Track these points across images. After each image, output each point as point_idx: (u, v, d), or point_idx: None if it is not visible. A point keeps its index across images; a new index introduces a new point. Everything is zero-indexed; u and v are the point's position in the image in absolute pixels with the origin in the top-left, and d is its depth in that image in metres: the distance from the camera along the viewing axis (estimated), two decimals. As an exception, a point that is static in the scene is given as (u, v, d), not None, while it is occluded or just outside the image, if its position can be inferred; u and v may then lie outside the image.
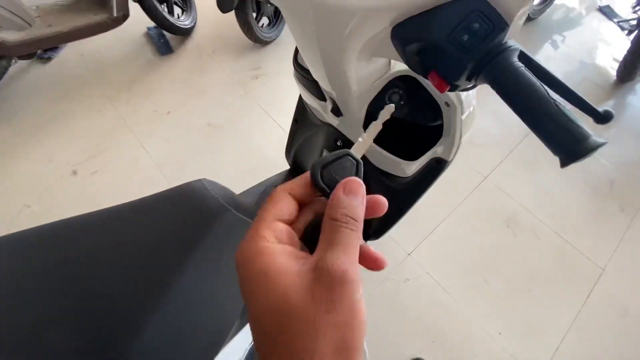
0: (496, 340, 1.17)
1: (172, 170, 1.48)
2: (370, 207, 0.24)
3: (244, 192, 1.12)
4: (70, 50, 1.94)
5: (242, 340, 0.85)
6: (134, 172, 1.47)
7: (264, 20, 1.95)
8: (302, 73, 0.66)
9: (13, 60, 1.70)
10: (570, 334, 1.20)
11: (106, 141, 1.56)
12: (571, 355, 1.16)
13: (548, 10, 2.25)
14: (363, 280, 0.20)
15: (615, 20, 2.28)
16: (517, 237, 1.39)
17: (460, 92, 0.53)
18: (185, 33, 2.00)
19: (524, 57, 0.34)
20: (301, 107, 0.91)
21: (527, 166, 1.58)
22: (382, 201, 0.24)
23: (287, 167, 1.16)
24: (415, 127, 0.64)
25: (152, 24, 1.85)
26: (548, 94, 0.30)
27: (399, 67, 0.55)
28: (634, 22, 1.94)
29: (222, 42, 2.01)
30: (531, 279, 1.30)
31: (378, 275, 1.26)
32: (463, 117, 0.55)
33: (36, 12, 1.58)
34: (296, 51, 0.69)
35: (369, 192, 0.23)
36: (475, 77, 0.34)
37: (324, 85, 0.58)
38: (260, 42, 1.91)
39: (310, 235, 0.23)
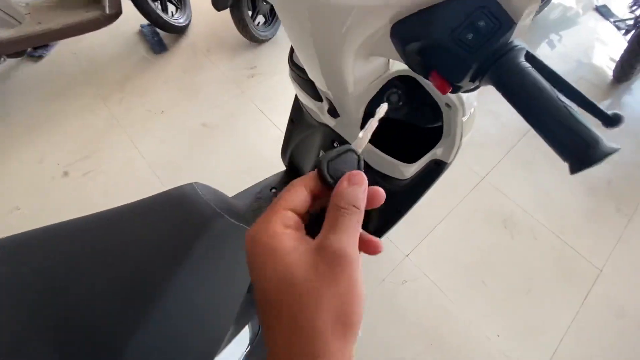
0: (494, 342, 1.16)
1: (166, 171, 1.46)
2: (369, 197, 0.26)
3: (239, 193, 1.10)
4: (62, 49, 1.90)
5: (238, 345, 0.83)
6: (127, 173, 1.44)
7: (260, 19, 1.93)
8: (298, 72, 0.64)
9: (2, 59, 1.67)
10: (568, 336, 1.19)
11: (98, 141, 1.53)
12: (569, 357, 1.16)
13: (545, 9, 2.25)
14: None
15: (612, 19, 2.27)
16: (515, 238, 1.39)
17: (462, 93, 0.51)
18: (179, 31, 1.97)
19: (528, 57, 0.32)
20: (297, 107, 0.89)
21: (524, 166, 1.57)
22: (381, 192, 0.27)
23: (284, 167, 1.14)
24: (414, 128, 0.63)
25: (145, 21, 1.81)
26: (557, 96, 0.28)
27: (398, 66, 0.53)
28: (631, 22, 1.94)
29: (217, 40, 1.99)
30: (529, 279, 1.29)
31: (376, 277, 1.25)
32: (464, 118, 0.54)
33: (26, 9, 1.55)
34: (292, 49, 0.67)
35: None
36: (479, 78, 0.32)
37: (320, 85, 0.56)
38: (255, 40, 1.89)
39: (314, 225, 0.25)
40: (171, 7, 1.97)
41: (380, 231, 0.91)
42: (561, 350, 1.16)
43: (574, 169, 0.28)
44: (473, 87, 0.35)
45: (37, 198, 1.35)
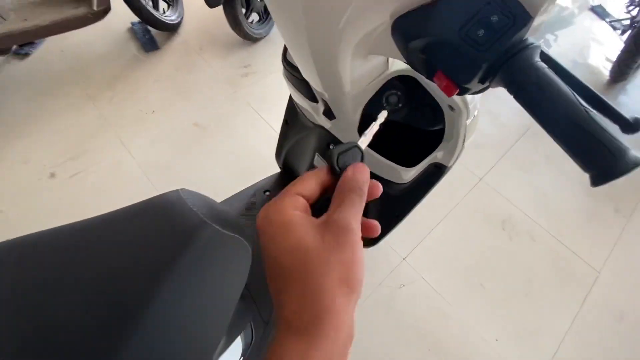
0: (493, 346, 1.14)
1: (157, 173, 1.41)
2: (368, 189, 0.29)
3: (232, 196, 1.07)
4: (49, 46, 1.85)
5: (231, 357, 0.80)
6: (116, 174, 1.40)
7: (254, 16, 1.89)
8: (292, 72, 0.60)
9: (-14, 56, 1.61)
10: (567, 339, 1.18)
11: (87, 142, 1.48)
12: (569, 361, 1.14)
13: (541, 9, 2.23)
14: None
15: (608, 20, 2.27)
16: (513, 240, 1.37)
17: (467, 95, 0.48)
18: (171, 29, 1.92)
19: (543, 56, 0.29)
20: (292, 108, 0.85)
21: (523, 167, 1.56)
22: (378, 185, 0.30)
23: (278, 169, 1.10)
24: (414, 131, 0.60)
25: (136, 19, 1.76)
26: (578, 100, 0.25)
27: (398, 66, 0.50)
28: (627, 22, 1.94)
29: (210, 38, 1.94)
30: (527, 282, 1.28)
31: (372, 281, 1.22)
32: (468, 121, 0.51)
33: (11, 5, 1.49)
34: (285, 47, 0.64)
35: None
36: (489, 79, 0.29)
37: (315, 86, 0.53)
38: (249, 38, 1.85)
39: (317, 214, 0.28)
40: (163, 4, 1.93)
41: (378, 237, 0.88)
42: (560, 354, 1.15)
43: (597, 182, 0.25)
44: (482, 88, 0.32)
45: (22, 201, 1.31)
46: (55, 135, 1.50)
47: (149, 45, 1.87)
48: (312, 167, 0.85)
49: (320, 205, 0.28)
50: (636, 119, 0.29)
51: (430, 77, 0.33)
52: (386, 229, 0.86)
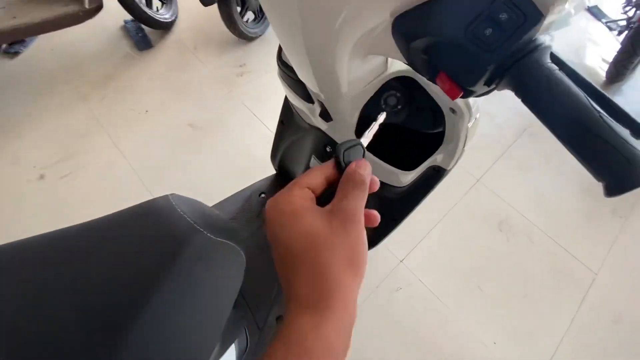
0: (491, 350, 1.13)
1: (151, 174, 1.39)
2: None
3: (227, 198, 1.05)
4: (40, 44, 1.81)
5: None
6: (108, 176, 1.37)
7: (249, 15, 1.87)
8: (287, 72, 0.58)
9: (-25, 55, 1.57)
10: (564, 342, 1.17)
11: (78, 142, 1.45)
12: (567, 364, 1.13)
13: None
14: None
15: (604, 20, 2.27)
16: (511, 241, 1.36)
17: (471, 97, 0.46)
18: (165, 27, 1.89)
19: (553, 58, 0.28)
20: (287, 109, 0.84)
21: (520, 168, 1.55)
22: (375, 179, 0.31)
23: (274, 171, 1.08)
24: (413, 133, 0.58)
25: (129, 17, 1.73)
26: (592, 105, 0.24)
27: (398, 66, 0.48)
28: (623, 23, 1.94)
29: (204, 37, 1.91)
30: (525, 284, 1.27)
31: (369, 284, 1.21)
32: (469, 124, 0.49)
33: (0, 2, 1.46)
34: (281, 46, 0.62)
35: None
36: (496, 81, 0.27)
37: (312, 86, 0.51)
38: (245, 37, 1.82)
39: (323, 202, 0.30)
40: (156, 2, 1.90)
41: (375, 240, 0.87)
42: (558, 356, 1.14)
43: (612, 192, 0.24)
44: (487, 91, 0.30)
45: (10, 203, 1.27)
46: (45, 135, 1.46)
47: (142, 43, 1.84)
48: (308, 169, 0.83)
49: (324, 199, 0.30)
50: None
51: (432, 79, 0.31)
52: (384, 233, 0.84)
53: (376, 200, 0.75)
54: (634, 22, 1.69)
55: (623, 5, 1.96)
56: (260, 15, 1.91)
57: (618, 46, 1.78)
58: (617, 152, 0.23)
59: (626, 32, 1.77)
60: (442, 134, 0.55)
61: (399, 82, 0.50)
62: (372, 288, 1.20)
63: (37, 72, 1.69)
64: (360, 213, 0.28)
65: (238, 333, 0.80)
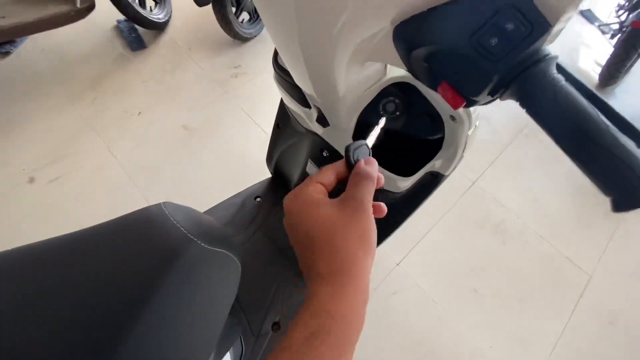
0: (487, 353, 1.13)
1: (144, 177, 1.36)
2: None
3: (221, 202, 1.03)
4: (30, 44, 1.77)
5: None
6: (99, 179, 1.34)
7: (244, 16, 1.85)
8: (284, 76, 0.57)
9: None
10: (560, 345, 1.17)
11: (69, 145, 1.42)
12: (562, 367, 1.14)
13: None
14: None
15: (597, 24, 2.30)
16: (506, 244, 1.36)
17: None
18: (158, 27, 1.87)
19: (559, 68, 0.27)
20: (283, 112, 0.82)
21: (515, 171, 1.56)
22: (381, 176, 0.35)
23: (269, 174, 1.07)
24: (411, 139, 0.57)
25: (122, 16, 1.71)
26: (600, 118, 0.23)
27: (397, 72, 0.47)
28: (616, 26, 1.96)
29: (199, 37, 1.89)
30: (520, 287, 1.27)
31: (366, 288, 1.20)
32: (469, 132, 0.48)
33: (-12, 1, 1.43)
34: (277, 50, 0.61)
35: None
36: (500, 91, 0.27)
37: (309, 91, 0.50)
38: (240, 38, 1.80)
39: (333, 197, 0.33)
40: (150, 2, 1.87)
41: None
42: (553, 358, 1.14)
43: (620, 207, 0.23)
44: (490, 101, 0.29)
45: (-1, 207, 1.24)
46: (35, 137, 1.43)
47: (136, 44, 1.81)
48: (304, 174, 0.82)
49: (334, 194, 0.34)
50: None
51: (434, 87, 0.30)
52: (382, 238, 0.83)
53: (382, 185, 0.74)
54: (627, 26, 1.71)
55: (616, 9, 1.98)
56: (255, 15, 1.89)
57: (611, 49, 1.80)
58: (627, 167, 0.22)
59: (619, 35, 1.79)
60: (441, 139, 0.55)
61: (398, 88, 0.49)
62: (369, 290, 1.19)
63: (27, 73, 1.66)
64: (368, 202, 0.31)
65: (233, 340, 0.79)
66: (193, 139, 1.50)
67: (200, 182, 1.37)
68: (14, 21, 1.40)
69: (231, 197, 1.03)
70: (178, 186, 1.35)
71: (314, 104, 0.54)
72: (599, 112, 0.24)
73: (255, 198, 1.03)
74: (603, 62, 1.86)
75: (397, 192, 0.66)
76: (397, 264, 1.27)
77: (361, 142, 0.35)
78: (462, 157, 0.55)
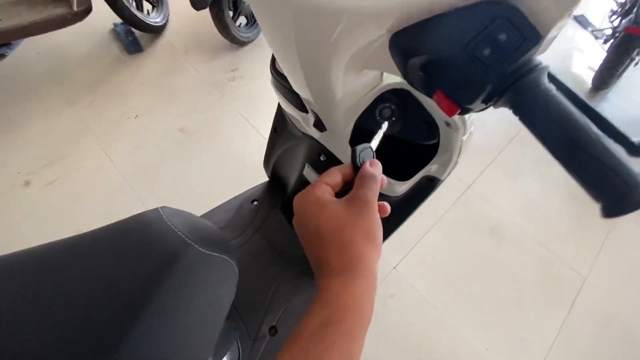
0: (483, 356, 1.14)
1: (140, 180, 1.36)
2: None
3: (219, 206, 1.03)
4: (26, 47, 1.77)
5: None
6: (96, 182, 1.33)
7: (242, 20, 1.86)
8: (281, 81, 0.58)
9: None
10: (555, 347, 1.18)
11: (65, 148, 1.42)
12: (557, 369, 1.14)
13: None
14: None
15: (590, 29, 2.33)
16: (502, 247, 1.37)
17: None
18: (156, 31, 1.87)
19: (551, 78, 0.28)
20: (281, 116, 0.83)
21: (510, 174, 1.57)
22: (384, 177, 0.37)
23: (266, 178, 1.07)
24: (407, 144, 0.58)
25: (119, 20, 1.71)
26: (589, 125, 0.23)
27: (393, 78, 0.48)
28: (609, 32, 1.99)
29: (196, 41, 1.90)
30: (516, 289, 1.28)
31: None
32: (464, 137, 0.49)
33: (-15, 4, 1.42)
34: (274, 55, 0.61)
35: None
36: (494, 99, 0.27)
37: (306, 97, 0.50)
38: (237, 42, 1.81)
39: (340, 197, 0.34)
40: (147, 5, 1.87)
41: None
42: (549, 360, 1.15)
43: (610, 213, 0.24)
44: (484, 108, 0.30)
45: (-7, 210, 1.23)
46: (31, 140, 1.43)
47: (132, 47, 1.81)
48: (301, 177, 0.82)
49: (340, 195, 0.35)
50: None
51: (429, 95, 0.31)
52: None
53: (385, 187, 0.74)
54: (619, 31, 1.74)
55: (609, 15, 2.01)
56: (252, 20, 1.90)
57: (604, 54, 1.82)
58: (616, 174, 0.23)
59: (612, 40, 1.81)
60: (436, 144, 0.55)
61: (394, 94, 0.49)
62: (365, 295, 1.20)
63: (23, 75, 1.65)
64: (374, 202, 0.33)
65: (230, 344, 0.79)
66: (190, 142, 1.50)
67: (198, 185, 1.37)
68: (10, 24, 1.39)
69: (228, 200, 1.03)
70: (175, 189, 1.35)
71: (311, 108, 0.55)
72: (589, 121, 0.24)
73: (253, 201, 1.03)
74: (596, 66, 1.88)
75: (394, 196, 0.66)
76: (394, 267, 1.27)
77: (366, 145, 0.37)
78: (457, 162, 0.56)
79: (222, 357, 0.74)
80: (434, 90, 0.29)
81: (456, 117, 0.46)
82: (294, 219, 0.35)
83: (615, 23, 1.95)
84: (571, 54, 2.22)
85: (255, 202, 1.03)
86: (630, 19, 1.68)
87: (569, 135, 0.24)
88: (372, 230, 0.32)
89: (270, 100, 0.84)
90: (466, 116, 0.47)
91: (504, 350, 1.15)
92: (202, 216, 0.99)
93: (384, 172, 0.60)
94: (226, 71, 1.78)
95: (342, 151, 0.61)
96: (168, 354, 0.43)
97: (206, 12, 1.58)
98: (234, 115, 1.61)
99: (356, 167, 0.36)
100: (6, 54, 1.72)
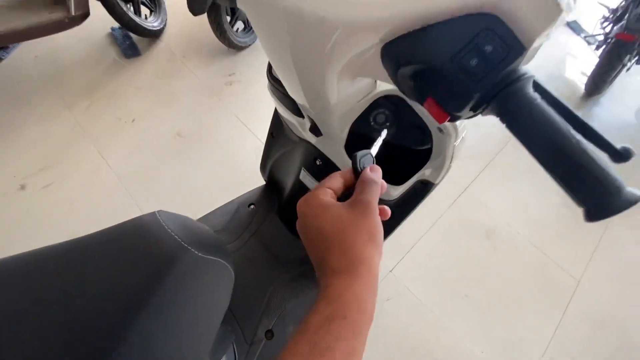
0: (479, 358, 1.14)
1: (137, 184, 1.36)
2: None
3: (215, 209, 1.03)
4: (23, 51, 1.77)
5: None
6: (92, 186, 1.33)
7: (239, 25, 1.87)
8: (277, 87, 0.59)
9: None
10: (550, 349, 1.19)
11: (61, 152, 1.42)
12: (552, 372, 1.15)
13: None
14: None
15: (582, 35, 2.36)
16: (497, 250, 1.38)
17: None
18: (153, 35, 1.88)
19: (535, 86, 0.29)
20: (277, 121, 0.84)
21: (505, 177, 1.58)
22: (384, 182, 0.38)
23: (263, 182, 1.08)
24: (401, 149, 0.59)
25: (116, 24, 1.71)
26: (571, 132, 0.24)
27: (386, 85, 0.49)
28: (601, 38, 2.02)
29: (193, 45, 1.91)
30: (511, 292, 1.29)
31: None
32: (456, 143, 0.50)
33: (-19, 8, 1.43)
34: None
35: None
36: (482, 108, 0.28)
37: (302, 102, 0.51)
38: (234, 47, 1.82)
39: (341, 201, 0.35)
40: (145, 10, 1.88)
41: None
42: (544, 363, 1.16)
43: (592, 217, 0.25)
44: (473, 116, 0.31)
45: (-12, 215, 1.23)
46: (27, 144, 1.42)
47: (130, 51, 1.82)
48: (298, 181, 0.83)
49: (342, 200, 0.36)
50: (625, 149, 0.28)
51: (420, 102, 0.32)
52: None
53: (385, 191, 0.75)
54: (611, 38, 1.77)
55: (601, 21, 2.04)
56: (249, 25, 1.91)
57: (596, 60, 1.85)
58: (597, 180, 0.24)
59: (604, 46, 1.84)
60: (430, 149, 0.56)
61: (388, 101, 0.50)
62: (361, 299, 1.20)
63: (20, 79, 1.65)
64: (374, 204, 0.34)
65: (226, 348, 0.79)
66: (187, 146, 1.50)
67: (194, 189, 1.37)
68: (7, 27, 1.39)
69: (225, 204, 1.04)
70: (171, 193, 1.35)
71: (307, 114, 0.56)
72: (570, 128, 0.25)
73: (249, 205, 1.03)
74: (589, 72, 1.91)
75: (389, 200, 0.67)
76: (390, 271, 1.28)
77: (366, 151, 0.38)
78: (450, 167, 0.57)
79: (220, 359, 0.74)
80: (425, 98, 0.30)
81: (448, 123, 0.48)
82: (298, 222, 0.36)
83: (607, 29, 1.98)
84: (564, 59, 2.25)
85: (252, 206, 1.03)
86: (621, 25, 1.71)
87: (553, 142, 0.25)
88: (373, 233, 0.33)
89: (267, 104, 0.85)
90: (457, 122, 0.48)
91: (500, 354, 1.16)
92: (199, 220, 1.00)
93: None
94: (223, 76, 1.79)
95: (338, 156, 0.62)
96: (164, 357, 0.43)
97: (204, 17, 1.59)
98: (231, 119, 1.62)
99: (357, 172, 0.37)
100: (3, 57, 1.73)
